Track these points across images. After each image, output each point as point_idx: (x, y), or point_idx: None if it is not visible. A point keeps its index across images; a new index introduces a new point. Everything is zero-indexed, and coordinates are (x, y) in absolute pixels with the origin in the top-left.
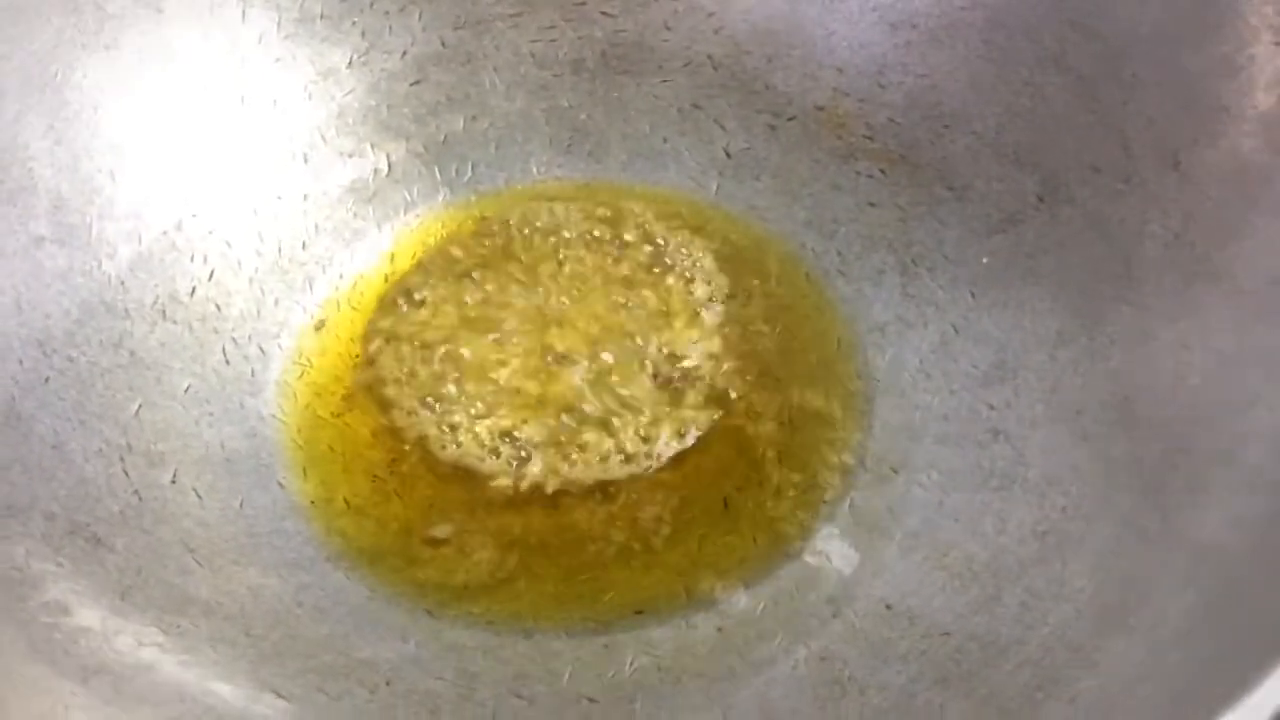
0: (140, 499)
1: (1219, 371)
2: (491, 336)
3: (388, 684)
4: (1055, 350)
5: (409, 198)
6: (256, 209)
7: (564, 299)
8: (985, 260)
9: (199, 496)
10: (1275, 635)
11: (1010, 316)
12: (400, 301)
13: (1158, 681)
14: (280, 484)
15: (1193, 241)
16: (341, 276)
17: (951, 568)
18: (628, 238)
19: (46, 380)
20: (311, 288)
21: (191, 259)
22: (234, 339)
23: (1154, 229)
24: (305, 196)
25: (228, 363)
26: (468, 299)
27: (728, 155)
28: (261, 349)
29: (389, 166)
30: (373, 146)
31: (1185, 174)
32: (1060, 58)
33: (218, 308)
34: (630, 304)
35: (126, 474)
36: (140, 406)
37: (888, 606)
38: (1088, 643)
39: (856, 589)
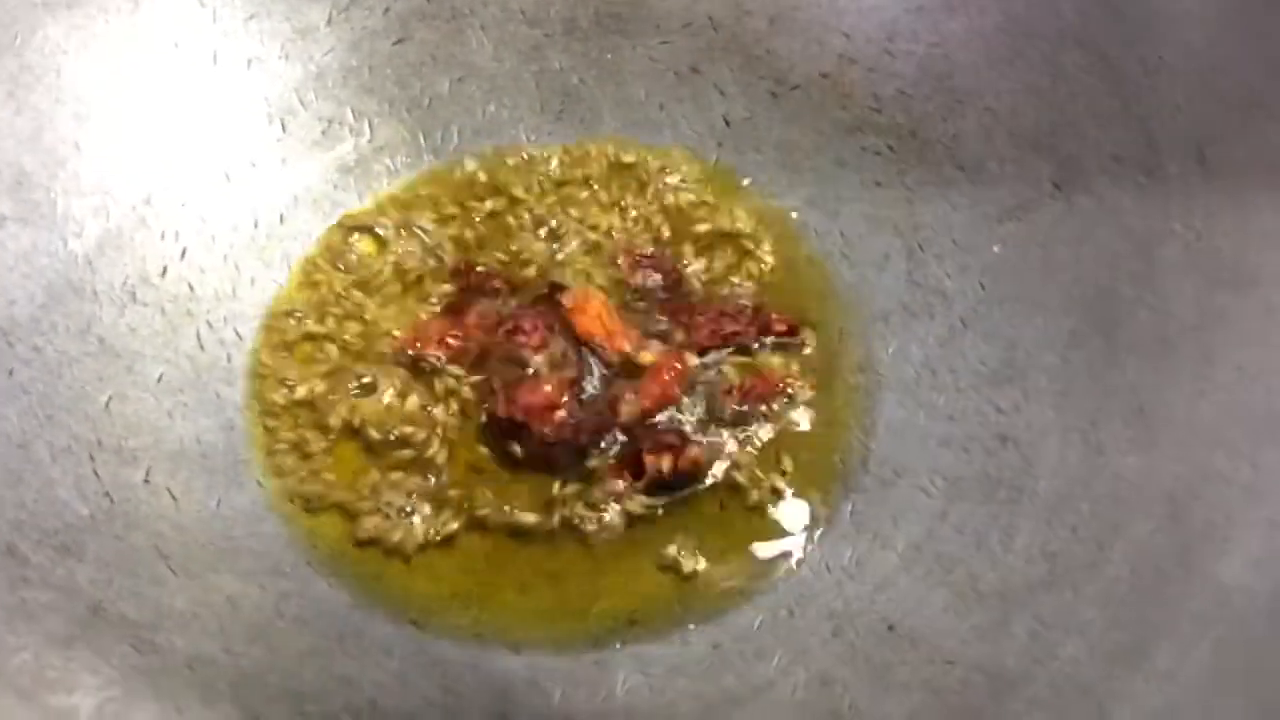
0: (111, 501)
1: (1243, 389)
2: None
3: (372, 705)
4: (1068, 351)
5: (392, 167)
6: (231, 180)
7: None
8: (997, 249)
9: (173, 497)
10: None
11: (1022, 312)
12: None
13: None
14: (259, 482)
15: (1217, 244)
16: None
17: (955, 585)
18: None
19: (11, 372)
20: (289, 264)
21: (163, 236)
22: (208, 322)
23: (1176, 227)
24: (282, 165)
25: (202, 348)
26: None
27: (727, 124)
28: (237, 332)
29: (370, 132)
30: (353, 111)
31: (1211, 169)
32: (1082, 34)
33: (191, 288)
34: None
35: (96, 474)
36: (110, 398)
37: (889, 627)
38: (1099, 686)
39: (857, 604)
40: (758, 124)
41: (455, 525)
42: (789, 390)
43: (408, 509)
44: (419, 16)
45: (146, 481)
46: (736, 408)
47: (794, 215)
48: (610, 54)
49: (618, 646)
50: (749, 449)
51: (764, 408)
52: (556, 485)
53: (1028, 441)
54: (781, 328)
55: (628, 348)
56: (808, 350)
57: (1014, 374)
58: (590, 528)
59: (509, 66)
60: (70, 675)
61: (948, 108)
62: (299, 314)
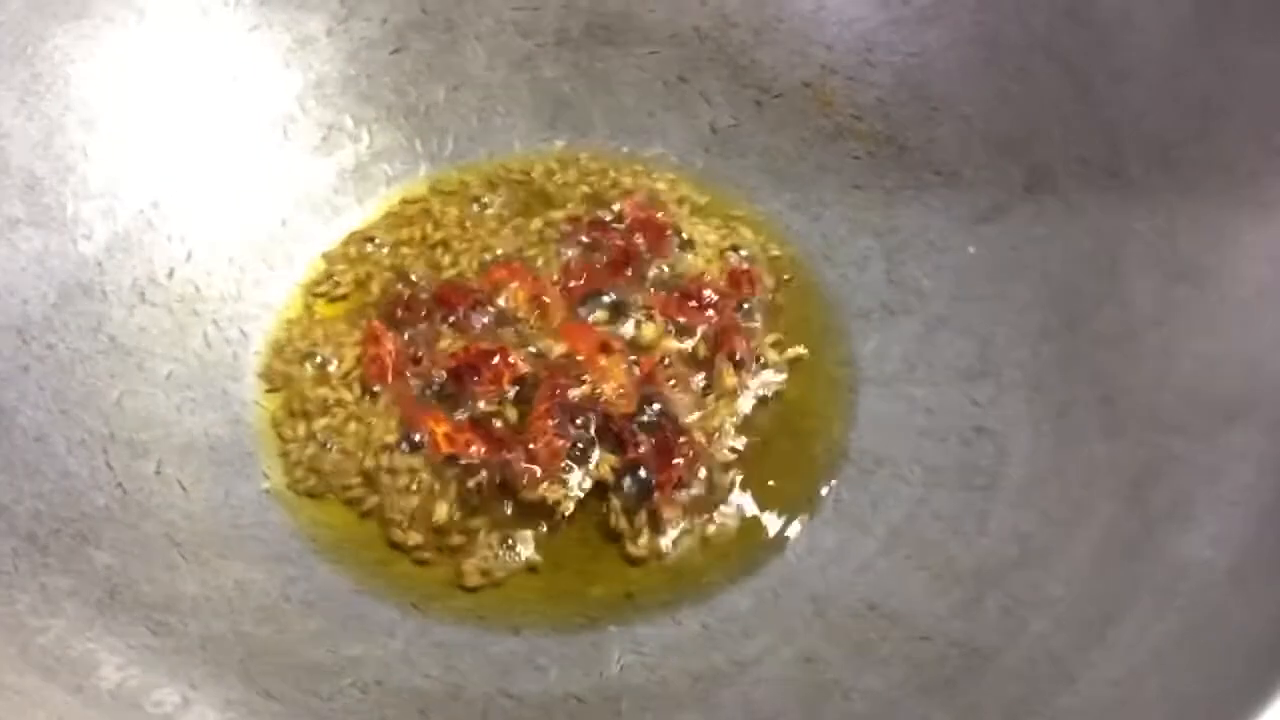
0: (125, 492)
1: (1202, 377)
2: None
3: (378, 683)
4: (1038, 346)
5: (389, 172)
6: (234, 184)
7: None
8: (971, 249)
9: (183, 488)
10: (1257, 671)
11: (995, 309)
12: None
13: (1136, 709)
14: (264, 473)
15: (1178, 241)
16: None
17: (933, 567)
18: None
19: (26, 369)
20: (293, 266)
21: (169, 238)
22: (215, 321)
23: (1139, 226)
24: (284, 170)
25: (209, 346)
26: None
27: (713, 131)
28: (243, 331)
29: (369, 139)
30: (352, 118)
31: (1172, 171)
32: (1050, 43)
33: (197, 289)
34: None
35: (110, 466)
36: (121, 394)
37: (870, 607)
38: (1067, 656)
39: (839, 587)
40: (743, 131)
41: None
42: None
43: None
44: (415, 27)
45: (158, 473)
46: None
47: (779, 218)
48: (600, 64)
49: (612, 628)
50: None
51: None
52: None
53: (1001, 431)
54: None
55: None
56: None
57: (988, 368)
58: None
59: (502, 76)
60: (90, 655)
61: (924, 115)
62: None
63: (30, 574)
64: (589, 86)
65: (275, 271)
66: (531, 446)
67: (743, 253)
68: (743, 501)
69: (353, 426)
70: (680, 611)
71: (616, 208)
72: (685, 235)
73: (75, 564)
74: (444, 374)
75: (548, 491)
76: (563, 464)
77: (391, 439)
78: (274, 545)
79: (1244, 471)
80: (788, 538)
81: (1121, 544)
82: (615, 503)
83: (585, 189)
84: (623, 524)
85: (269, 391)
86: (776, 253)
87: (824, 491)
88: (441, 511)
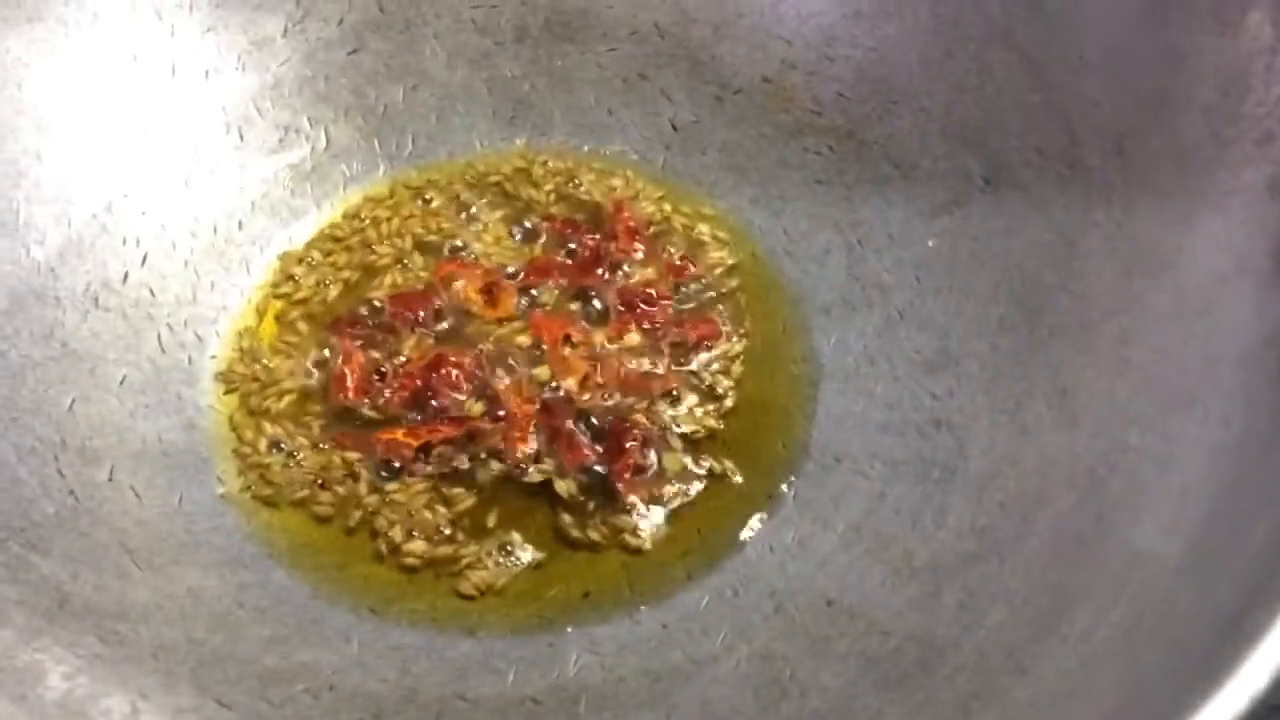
0: (76, 499)
1: (1158, 369)
2: None
3: (331, 689)
4: (997, 339)
5: (348, 173)
6: (190, 187)
7: None
8: (931, 243)
9: (137, 495)
10: (1207, 660)
11: (954, 302)
12: None
13: (1088, 698)
14: (219, 478)
15: (1134, 232)
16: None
17: (891, 562)
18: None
19: None
20: (249, 269)
21: (124, 242)
22: (169, 325)
23: (1097, 217)
24: (240, 173)
25: (163, 351)
26: None
27: (674, 128)
28: (198, 335)
29: (327, 140)
30: (310, 119)
31: (1128, 162)
32: (1007, 34)
33: (152, 293)
34: None
35: (61, 473)
36: (74, 400)
37: (828, 602)
38: (1021, 647)
39: (798, 583)
40: (703, 127)
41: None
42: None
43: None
44: (373, 27)
45: (110, 480)
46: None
47: (740, 213)
48: (560, 61)
49: (569, 629)
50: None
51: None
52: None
53: (960, 425)
54: (695, 336)
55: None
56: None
57: (947, 361)
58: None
59: (461, 75)
60: (37, 664)
61: (884, 109)
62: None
63: None
64: (549, 84)
65: (231, 274)
66: (501, 413)
67: (671, 249)
68: (701, 497)
69: (313, 456)
70: (638, 611)
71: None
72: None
73: (23, 573)
74: (406, 393)
75: (522, 447)
76: (532, 427)
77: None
78: (228, 551)
79: (1196, 461)
80: (747, 535)
81: (1076, 535)
82: (567, 490)
83: (550, 187)
84: (572, 523)
85: (226, 393)
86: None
87: (784, 488)
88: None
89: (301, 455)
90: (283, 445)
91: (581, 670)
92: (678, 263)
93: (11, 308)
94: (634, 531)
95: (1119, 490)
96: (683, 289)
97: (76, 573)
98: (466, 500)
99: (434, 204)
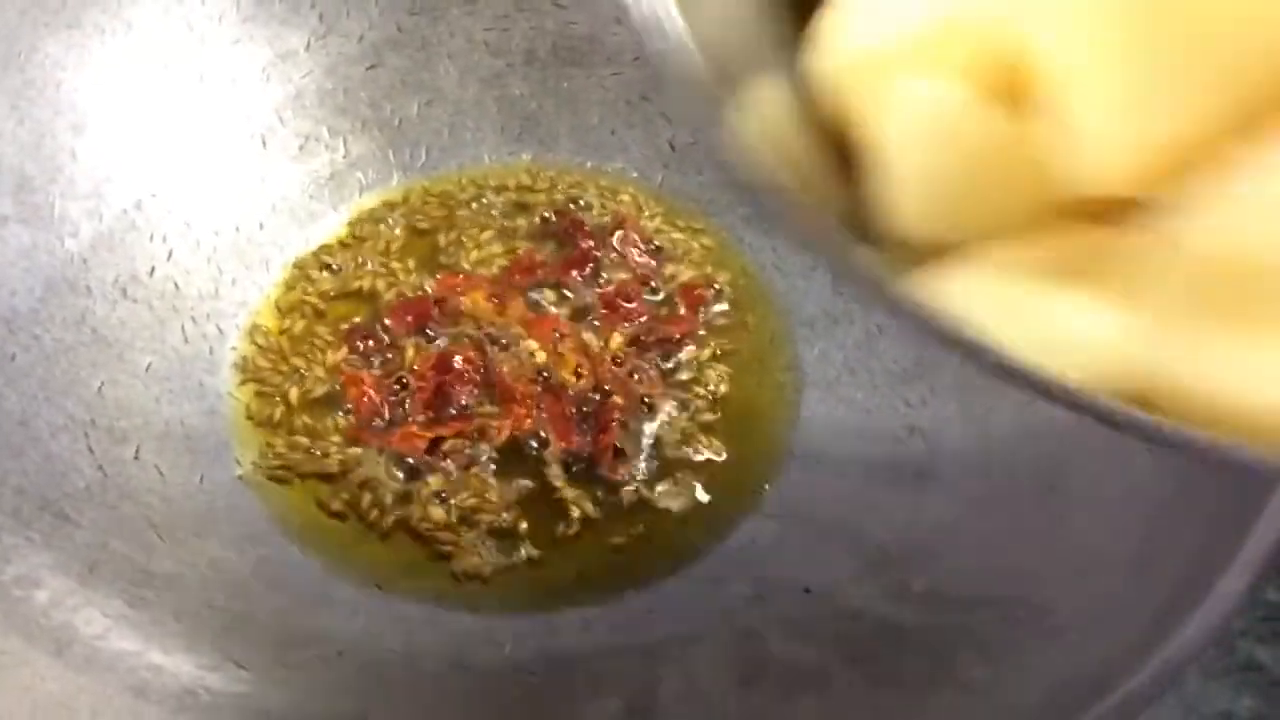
0: (105, 474)
1: None
2: None
3: (340, 654)
4: None
5: (364, 181)
6: (214, 189)
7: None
8: None
9: (160, 473)
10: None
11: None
12: None
13: (1041, 672)
14: (237, 460)
15: None
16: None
17: (867, 555)
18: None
19: (13, 357)
20: (268, 268)
21: (151, 238)
22: (193, 318)
23: None
24: (262, 178)
25: (186, 341)
26: None
27: (672, 148)
28: (219, 328)
29: (345, 150)
30: (329, 129)
31: None
32: None
33: (177, 286)
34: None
35: (91, 450)
36: (103, 383)
37: (806, 590)
38: (980, 630)
39: (777, 572)
40: (700, 149)
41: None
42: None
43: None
44: (391, 45)
45: (136, 458)
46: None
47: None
48: (566, 83)
49: (565, 609)
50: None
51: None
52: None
53: (933, 431)
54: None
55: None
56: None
57: (922, 371)
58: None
59: (473, 92)
60: (69, 624)
61: None
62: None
63: (14, 547)
64: (555, 104)
65: (252, 272)
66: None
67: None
68: (687, 496)
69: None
70: (626, 595)
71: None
72: (656, 244)
73: (57, 540)
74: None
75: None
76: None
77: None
78: (246, 528)
79: (1147, 462)
80: (731, 531)
81: (1035, 531)
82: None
83: (557, 196)
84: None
85: (243, 383)
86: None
87: (767, 487)
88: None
89: (315, 444)
90: (297, 434)
91: (575, 646)
92: (666, 271)
93: (46, 295)
94: (625, 516)
95: (1076, 491)
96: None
97: (105, 542)
98: (475, 490)
99: (443, 212)
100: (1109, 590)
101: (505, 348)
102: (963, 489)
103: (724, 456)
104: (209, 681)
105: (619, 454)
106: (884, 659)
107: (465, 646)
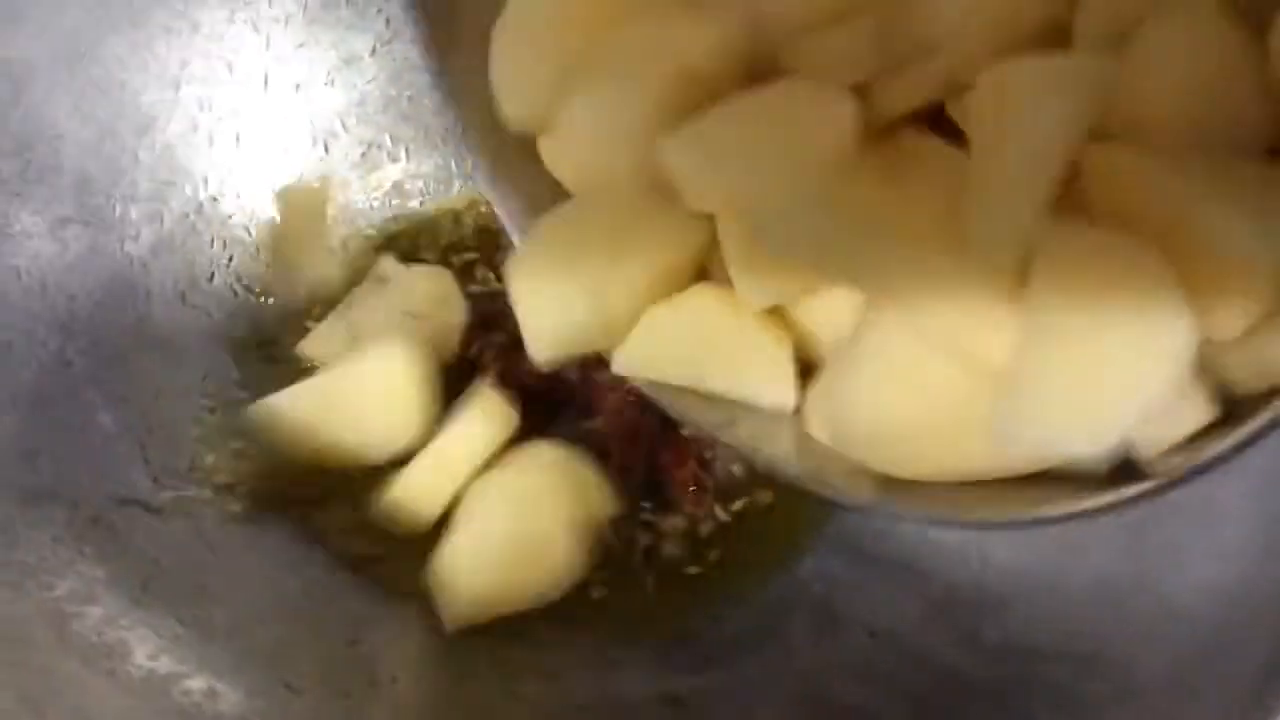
0: (159, 488)
1: None
2: None
3: (393, 680)
4: None
5: (425, 190)
6: (275, 195)
7: None
8: None
9: (213, 489)
10: (1239, 710)
11: None
12: None
13: None
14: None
15: None
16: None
17: (933, 598)
18: None
19: (70, 364)
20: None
21: (211, 243)
22: (251, 324)
23: None
24: (324, 185)
25: (244, 349)
26: None
27: None
28: (277, 336)
29: (406, 158)
30: (391, 137)
31: None
32: None
33: (235, 294)
34: None
35: (147, 460)
36: (159, 391)
37: (871, 634)
38: (1057, 690)
39: (841, 612)
40: None
41: None
42: None
43: None
44: None
45: (190, 469)
46: None
47: None
48: None
49: (620, 642)
50: None
51: None
52: None
53: None
54: None
55: None
56: None
57: None
58: None
59: None
60: (123, 643)
61: None
62: None
63: (69, 562)
64: None
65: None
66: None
67: None
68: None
69: None
70: (687, 628)
71: None
72: None
73: (111, 555)
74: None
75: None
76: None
77: None
78: (299, 552)
79: (1236, 522)
80: (794, 566)
81: (1113, 586)
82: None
83: None
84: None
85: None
86: None
87: (829, 525)
88: None
89: None
90: None
91: (631, 682)
92: None
93: (105, 299)
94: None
95: (1160, 545)
96: None
97: (159, 559)
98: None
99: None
100: (1195, 652)
101: None
102: (1037, 534)
103: (786, 492)
104: (260, 705)
105: (698, 485)
106: (950, 709)
107: (517, 676)
